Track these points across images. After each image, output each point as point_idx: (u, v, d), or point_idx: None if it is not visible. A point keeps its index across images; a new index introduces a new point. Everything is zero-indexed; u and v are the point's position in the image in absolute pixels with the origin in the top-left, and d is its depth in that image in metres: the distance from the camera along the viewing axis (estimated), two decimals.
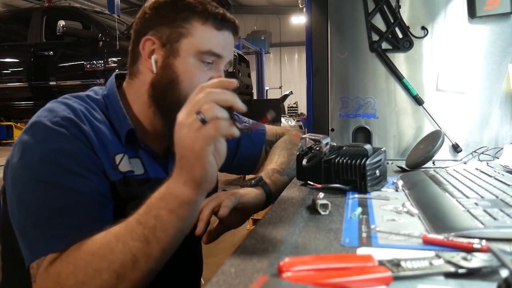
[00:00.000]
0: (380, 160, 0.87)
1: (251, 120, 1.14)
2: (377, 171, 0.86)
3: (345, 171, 0.86)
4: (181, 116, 0.57)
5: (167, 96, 0.81)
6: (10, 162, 0.72)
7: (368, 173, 0.83)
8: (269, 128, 1.14)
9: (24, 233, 0.68)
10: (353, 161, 0.84)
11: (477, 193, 0.70)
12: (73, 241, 0.64)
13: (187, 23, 0.80)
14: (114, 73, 0.90)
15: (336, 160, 0.87)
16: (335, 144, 0.95)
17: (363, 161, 0.83)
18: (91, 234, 0.67)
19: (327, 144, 0.90)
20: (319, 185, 0.85)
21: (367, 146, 0.85)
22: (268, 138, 1.11)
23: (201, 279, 1.08)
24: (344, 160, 0.86)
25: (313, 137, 0.93)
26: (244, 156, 1.07)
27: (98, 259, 0.61)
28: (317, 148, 0.91)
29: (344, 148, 0.92)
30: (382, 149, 0.89)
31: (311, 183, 0.86)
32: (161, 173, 0.84)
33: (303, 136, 0.95)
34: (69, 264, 0.62)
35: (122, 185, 0.77)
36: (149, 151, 0.84)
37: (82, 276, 0.60)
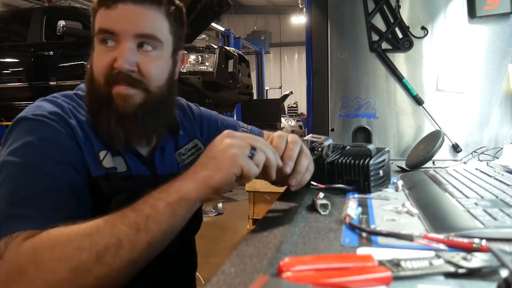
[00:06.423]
0: (384, 160, 0.87)
1: (249, 126, 1.15)
2: (381, 171, 0.86)
3: (349, 171, 0.85)
4: (237, 140, 0.65)
5: (94, 92, 0.81)
6: None
7: (371, 173, 0.82)
8: (266, 132, 1.17)
9: None
10: (357, 161, 0.84)
11: (477, 193, 0.70)
12: (46, 222, 0.62)
13: (94, 16, 0.84)
14: None
15: (340, 160, 0.87)
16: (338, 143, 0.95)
17: (366, 161, 0.83)
18: (68, 218, 0.65)
19: (329, 146, 0.90)
20: (323, 186, 0.85)
21: (371, 146, 0.85)
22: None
23: (201, 278, 1.08)
24: (348, 160, 0.86)
25: (315, 139, 0.93)
26: None
27: (81, 237, 0.58)
28: (319, 149, 0.91)
29: (347, 148, 0.92)
30: (386, 149, 0.89)
31: (314, 183, 0.86)
32: (144, 171, 0.84)
33: (306, 137, 0.95)
34: (49, 240, 0.58)
35: (104, 180, 0.77)
36: (132, 151, 0.84)
37: (59, 253, 0.57)
